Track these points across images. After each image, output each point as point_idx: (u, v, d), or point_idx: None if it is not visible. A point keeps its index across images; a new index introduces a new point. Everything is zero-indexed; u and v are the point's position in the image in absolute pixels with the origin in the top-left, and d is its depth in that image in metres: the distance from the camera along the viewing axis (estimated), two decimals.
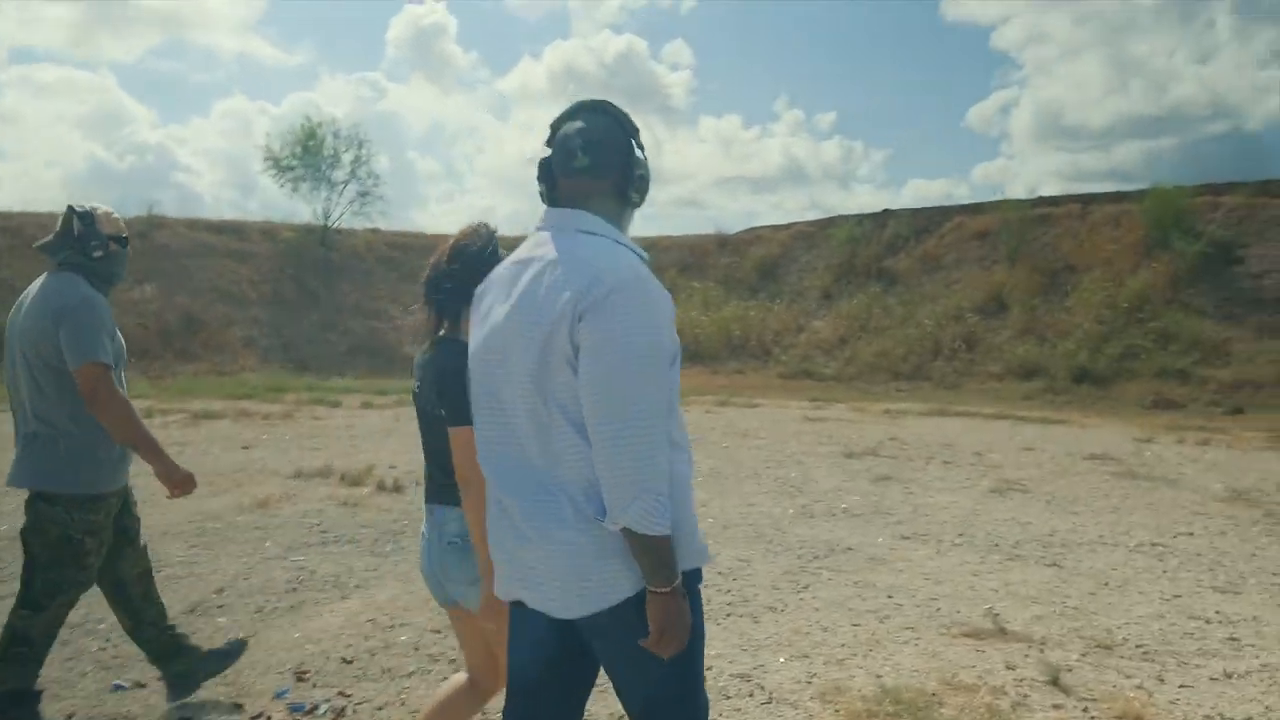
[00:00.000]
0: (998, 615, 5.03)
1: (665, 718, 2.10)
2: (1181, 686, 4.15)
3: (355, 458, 9.99)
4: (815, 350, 28.38)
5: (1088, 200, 29.98)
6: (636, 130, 2.13)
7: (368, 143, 32.56)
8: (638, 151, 2.11)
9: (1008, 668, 4.34)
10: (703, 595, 2.18)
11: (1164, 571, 6.04)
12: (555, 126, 2.10)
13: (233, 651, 4.01)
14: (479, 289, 2.18)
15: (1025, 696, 4.00)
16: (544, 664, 2.14)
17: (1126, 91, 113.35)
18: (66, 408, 3.29)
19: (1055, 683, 4.11)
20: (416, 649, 4.58)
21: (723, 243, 33.83)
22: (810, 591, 5.55)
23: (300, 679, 4.16)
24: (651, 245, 31.80)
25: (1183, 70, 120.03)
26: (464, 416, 2.26)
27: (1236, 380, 20.52)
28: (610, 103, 2.12)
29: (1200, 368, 21.46)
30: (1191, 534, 7.06)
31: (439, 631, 4.79)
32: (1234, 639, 4.79)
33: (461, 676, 2.78)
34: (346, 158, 32.04)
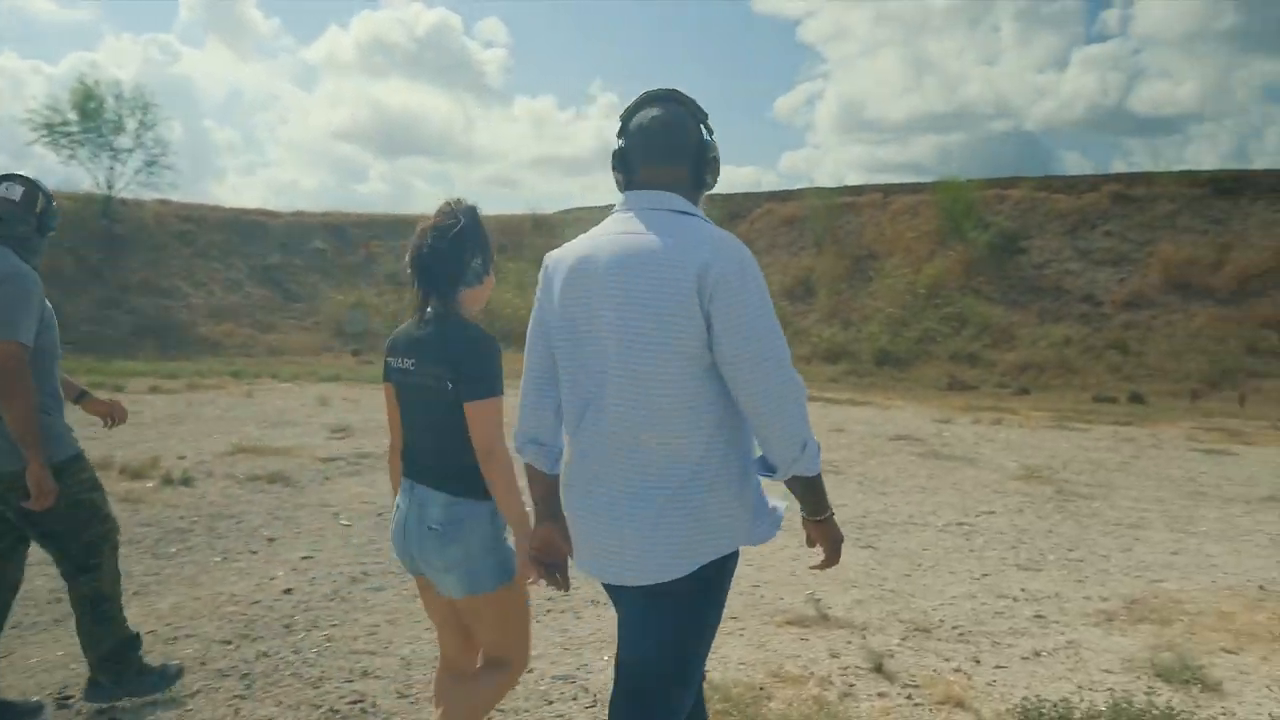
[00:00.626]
0: (819, 601, 4.99)
1: (664, 685, 2.21)
2: (997, 667, 4.20)
3: (138, 448, 9.12)
4: None
5: (889, 190, 31.38)
6: (706, 116, 2.23)
7: (155, 107, 30.22)
8: (708, 136, 2.21)
9: (832, 656, 4.28)
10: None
11: (971, 550, 6.22)
12: (626, 118, 2.23)
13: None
14: (552, 262, 2.24)
15: (851, 686, 3.94)
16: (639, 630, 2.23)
17: (922, 89, 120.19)
18: None
19: (879, 669, 4.08)
20: (203, 664, 4.08)
21: (538, 223, 33.47)
22: None
23: (62, 704, 3.63)
24: None
25: (971, 71, 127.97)
26: (495, 388, 2.44)
27: (1022, 363, 21.92)
28: (679, 91, 2.22)
29: (990, 351, 22.83)
30: (993, 512, 7.34)
31: (230, 643, 4.31)
32: (1040, 616, 4.93)
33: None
34: (130, 123, 29.66)
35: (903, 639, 4.53)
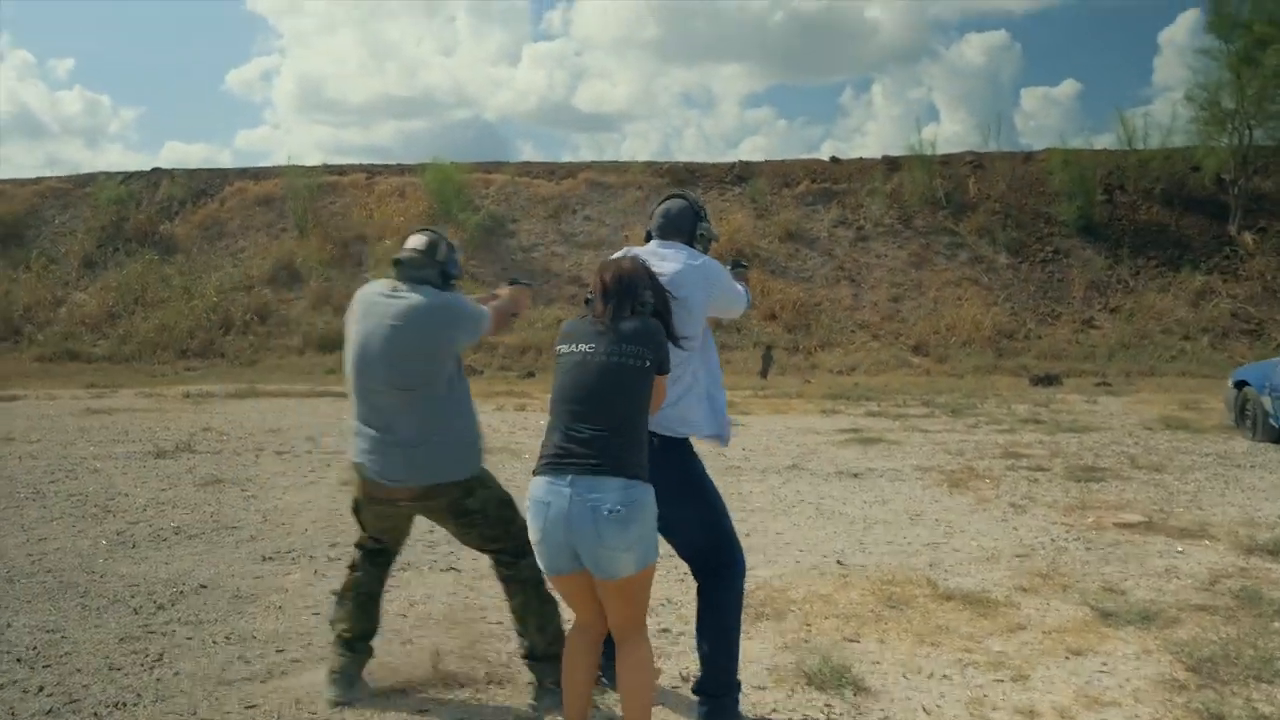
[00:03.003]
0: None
1: None
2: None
3: None
4: (80, 327, 24.26)
5: (373, 171, 30.23)
6: (703, 208, 3.47)
7: None
8: (702, 223, 3.41)
9: None
10: None
11: None
12: (652, 211, 3.45)
13: None
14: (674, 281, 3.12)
15: None
16: None
17: (383, 72, 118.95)
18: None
19: None
20: None
21: None
22: (167, 666, 3.93)
23: None
24: None
25: (431, 59, 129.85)
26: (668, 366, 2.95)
27: (521, 345, 22.16)
28: (687, 192, 3.63)
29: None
30: None
31: None
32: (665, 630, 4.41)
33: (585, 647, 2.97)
34: None
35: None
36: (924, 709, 3.46)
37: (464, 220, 25.87)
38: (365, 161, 31.84)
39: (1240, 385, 10.40)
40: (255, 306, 24.25)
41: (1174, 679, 3.71)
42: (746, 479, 8.01)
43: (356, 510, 3.52)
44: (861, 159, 29.45)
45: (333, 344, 22.35)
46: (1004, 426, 11.24)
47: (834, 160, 29.48)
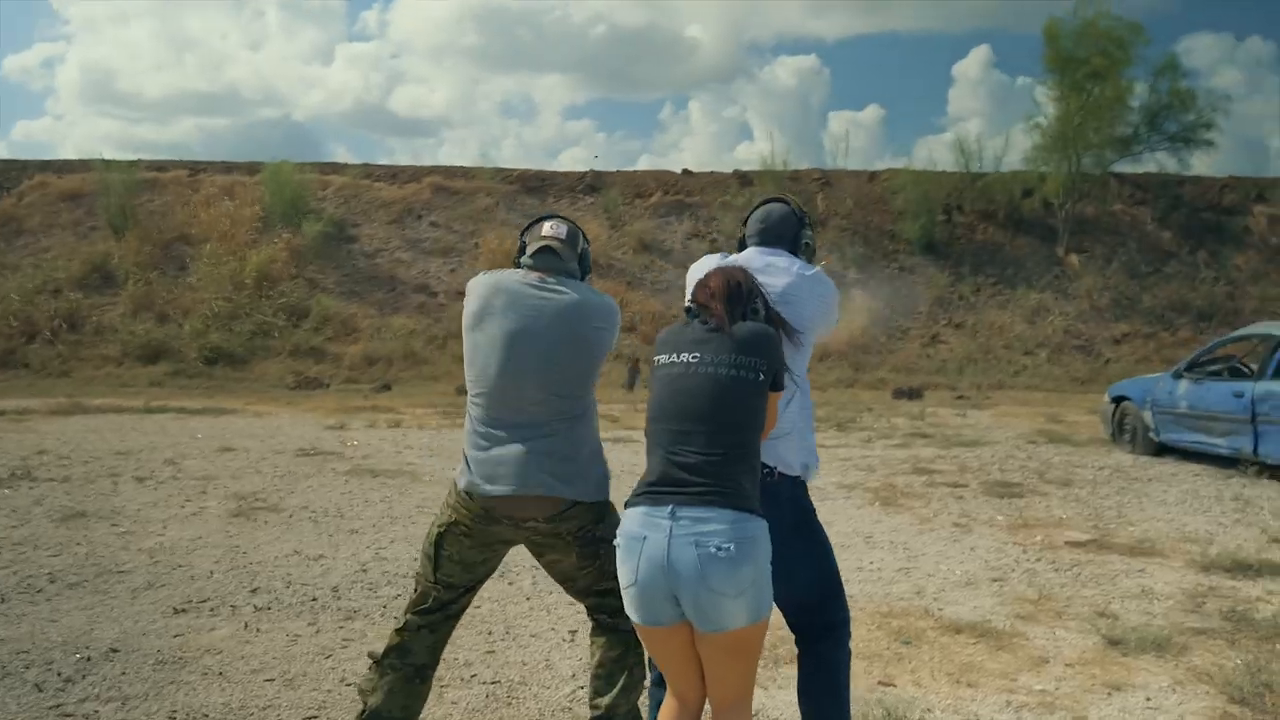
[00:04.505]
0: None
1: None
2: None
3: None
4: None
5: (197, 168, 28.16)
6: (806, 214, 3.01)
7: None
8: (806, 230, 2.95)
9: None
10: None
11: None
12: (746, 217, 3.02)
13: None
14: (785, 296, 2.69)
15: None
16: None
17: (182, 65, 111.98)
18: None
19: None
20: None
21: None
22: None
23: None
24: None
25: (237, 53, 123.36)
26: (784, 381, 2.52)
27: (369, 355, 20.97)
28: (787, 195, 3.17)
29: (334, 344, 21.49)
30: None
31: None
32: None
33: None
34: None
35: None
36: None
37: (300, 226, 24.34)
38: (165, 158, 29.47)
39: (1118, 400, 10.65)
40: (64, 312, 21.93)
41: (1226, 712, 3.52)
42: None
43: (439, 544, 2.88)
44: (714, 172, 29.54)
45: (156, 354, 20.52)
46: (896, 441, 11.16)
47: (686, 173, 29.44)
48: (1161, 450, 9.80)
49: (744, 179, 28.59)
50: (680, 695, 2.48)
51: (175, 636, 4.16)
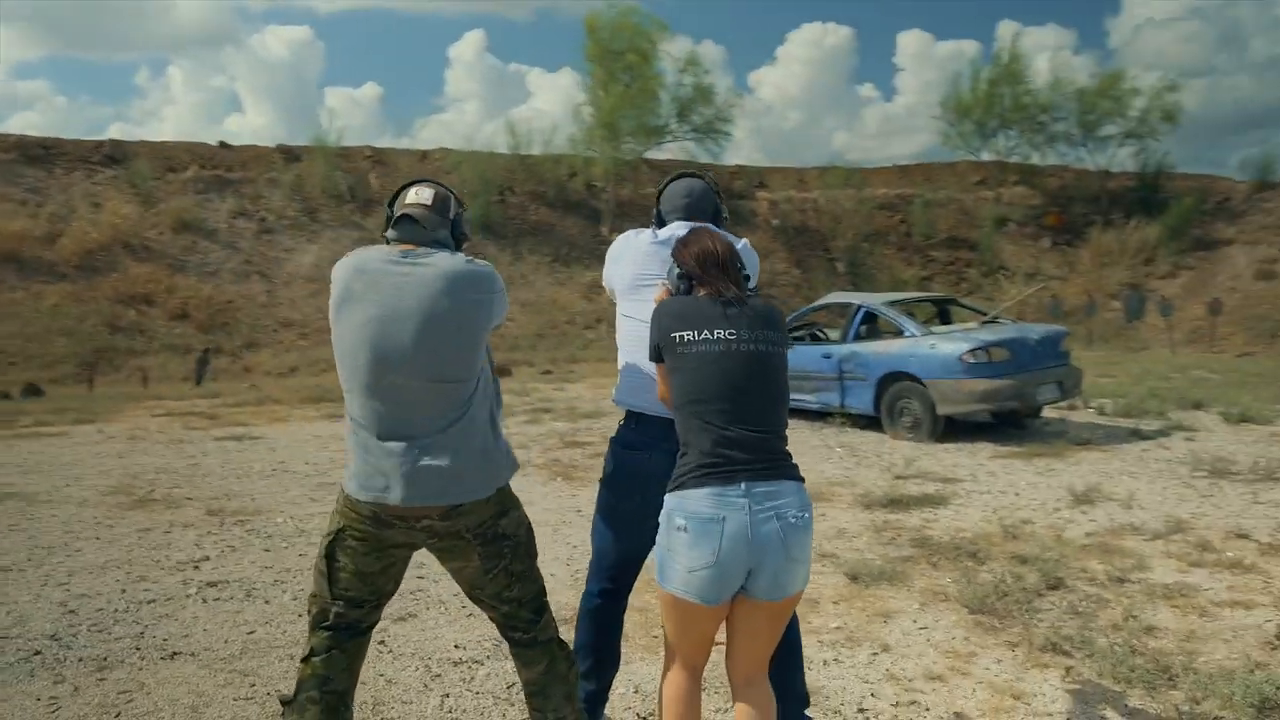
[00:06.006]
0: None
1: None
2: None
3: None
4: None
5: None
6: (717, 186, 3.13)
7: None
8: (723, 205, 3.10)
9: None
10: None
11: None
12: (661, 192, 3.17)
13: None
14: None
15: None
16: None
17: None
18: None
19: None
20: None
21: None
22: None
23: None
24: None
25: None
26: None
27: None
28: (700, 168, 3.45)
29: None
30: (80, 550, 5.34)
31: None
32: None
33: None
34: None
35: None
36: None
37: None
38: None
39: None
40: None
41: (976, 621, 4.28)
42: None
43: (330, 555, 2.57)
44: (255, 146, 27.64)
45: None
46: (524, 417, 11.42)
47: (223, 145, 27.24)
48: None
49: (290, 154, 27.13)
50: (695, 668, 2.53)
51: None
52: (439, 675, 3.66)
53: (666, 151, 29.23)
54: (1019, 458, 8.17)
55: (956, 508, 6.38)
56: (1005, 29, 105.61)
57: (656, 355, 2.54)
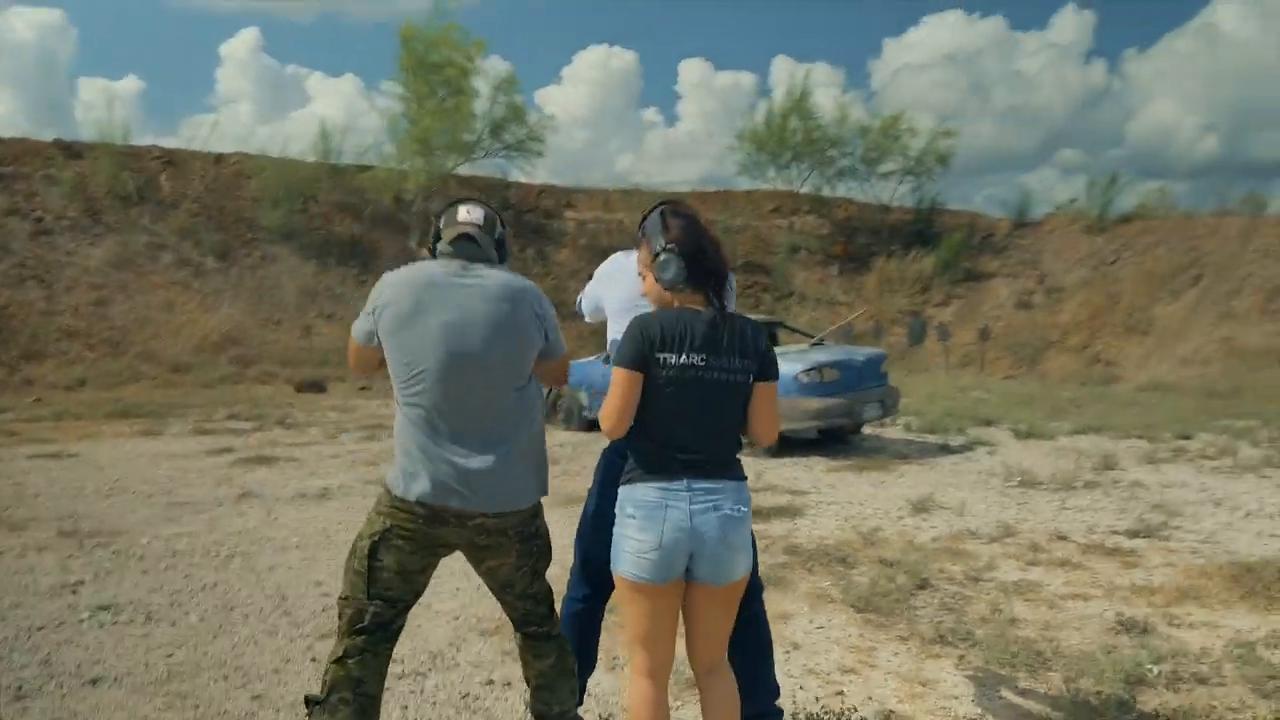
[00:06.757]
0: None
1: None
2: None
3: None
4: None
5: None
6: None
7: None
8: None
9: None
10: None
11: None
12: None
13: None
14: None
15: None
16: None
17: None
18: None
19: None
20: None
21: None
22: None
23: None
24: None
25: None
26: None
27: None
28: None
29: None
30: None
31: None
32: None
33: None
34: None
35: None
36: None
37: None
38: None
39: None
40: None
41: (864, 619, 4.66)
42: (139, 510, 6.75)
43: (373, 555, 2.69)
44: (26, 139, 25.34)
45: None
46: (364, 434, 11.16)
47: None
48: (592, 426, 11.29)
49: (69, 150, 25.14)
50: (651, 671, 2.67)
51: None
52: (387, 688, 3.69)
53: (478, 167, 29.16)
54: (850, 470, 8.81)
55: (812, 517, 6.85)
56: (781, 64, 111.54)
57: (639, 364, 2.57)
